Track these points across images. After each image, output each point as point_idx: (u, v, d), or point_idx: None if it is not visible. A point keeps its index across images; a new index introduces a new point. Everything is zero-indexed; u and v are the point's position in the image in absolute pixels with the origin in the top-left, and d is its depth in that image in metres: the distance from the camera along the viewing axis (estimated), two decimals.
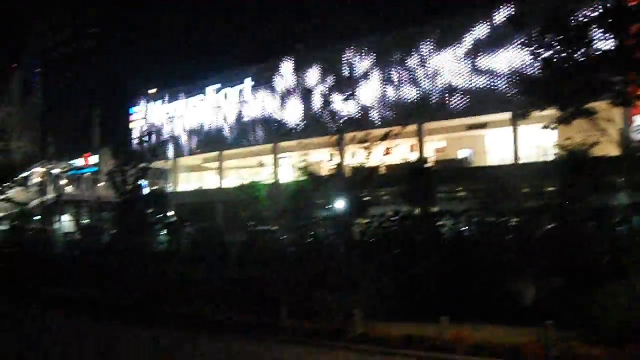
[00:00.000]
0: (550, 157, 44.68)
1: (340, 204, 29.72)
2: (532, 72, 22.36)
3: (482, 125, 49.68)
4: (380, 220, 21.90)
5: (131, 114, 74.61)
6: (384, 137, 23.71)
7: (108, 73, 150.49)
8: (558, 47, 20.29)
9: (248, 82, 66.31)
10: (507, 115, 46.88)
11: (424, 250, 19.33)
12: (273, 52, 67.15)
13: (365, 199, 25.68)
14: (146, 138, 27.01)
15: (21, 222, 56.20)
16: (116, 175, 27.38)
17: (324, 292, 17.19)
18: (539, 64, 21.53)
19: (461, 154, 51.20)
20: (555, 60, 20.41)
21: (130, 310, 21.35)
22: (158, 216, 29.56)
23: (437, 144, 54.78)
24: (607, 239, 17.97)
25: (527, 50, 21.41)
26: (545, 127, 21.46)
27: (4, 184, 39.14)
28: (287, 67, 63.09)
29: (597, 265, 16.45)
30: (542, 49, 20.71)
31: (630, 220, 18.66)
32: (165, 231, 31.83)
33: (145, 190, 28.03)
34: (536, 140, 48.64)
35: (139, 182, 27.37)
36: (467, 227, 20.49)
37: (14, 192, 40.43)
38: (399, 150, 44.94)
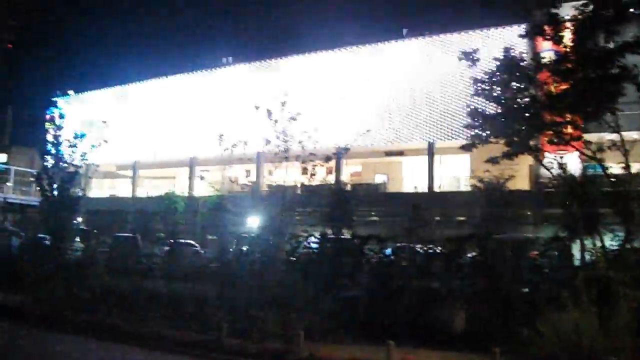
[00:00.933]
0: (465, 187, 46.61)
1: (258, 222, 29.78)
2: (472, 105, 23.04)
3: (399, 153, 50.74)
4: (307, 241, 21.99)
5: (48, 115, 72.67)
6: (327, 159, 23.73)
7: (26, 71, 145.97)
8: (510, 85, 21.26)
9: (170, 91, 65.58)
10: (424, 144, 48.28)
11: (352, 273, 19.64)
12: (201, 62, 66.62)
13: (285, 217, 25.70)
14: (76, 140, 26.16)
15: None
16: (43, 178, 26.62)
17: (263, 311, 17.11)
18: (482, 98, 22.46)
19: (377, 179, 52.11)
20: (505, 98, 21.34)
21: (48, 318, 20.63)
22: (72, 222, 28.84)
23: (353, 168, 55.53)
24: (529, 269, 18.71)
25: (479, 86, 22.06)
26: (490, 160, 22.23)
27: None
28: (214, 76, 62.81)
29: (520, 295, 17.08)
30: (492, 86, 21.58)
31: (553, 253, 19.44)
32: (77, 238, 31.09)
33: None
34: (451, 170, 50.29)
35: (67, 186, 26.67)
36: (390, 252, 20.82)
37: None
38: (316, 172, 45.29)
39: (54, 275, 23.19)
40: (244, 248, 24.81)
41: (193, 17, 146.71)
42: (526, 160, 29.68)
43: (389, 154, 50.08)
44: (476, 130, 22.50)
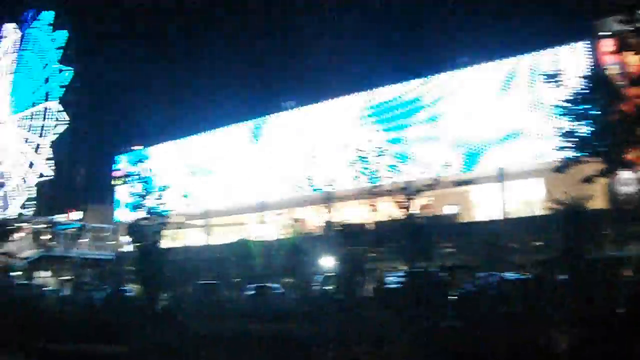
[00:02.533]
0: (539, 212, 45.77)
1: (335, 261, 29.90)
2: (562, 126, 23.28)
3: (468, 182, 50.16)
4: (395, 277, 21.97)
5: (114, 170, 75.04)
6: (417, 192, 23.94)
7: (91, 128, 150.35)
8: (599, 102, 21.23)
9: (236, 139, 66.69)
10: (492, 171, 47.82)
11: (443, 304, 19.51)
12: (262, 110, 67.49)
13: (363, 255, 25.74)
14: (157, 192, 26.91)
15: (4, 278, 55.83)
16: (135, 229, 27.39)
17: (363, 346, 17.08)
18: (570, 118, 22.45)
19: (448, 209, 51.53)
20: (596, 115, 21.32)
21: None
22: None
23: (422, 200, 55.12)
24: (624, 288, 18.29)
25: (566, 104, 22.16)
26: (587, 180, 22.23)
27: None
28: (278, 122, 63.66)
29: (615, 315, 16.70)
30: (580, 104, 21.61)
31: None
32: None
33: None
34: (522, 195, 49.54)
35: (157, 237, 27.38)
36: (473, 282, 20.60)
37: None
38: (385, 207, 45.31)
39: (148, 323, 23.52)
40: (328, 287, 25.01)
41: (247, 63, 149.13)
42: (601, 180, 29.10)
43: (458, 183, 49.53)
44: (568, 151, 22.62)
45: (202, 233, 69.00)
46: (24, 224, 58.81)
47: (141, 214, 27.93)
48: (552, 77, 23.06)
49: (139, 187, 28.28)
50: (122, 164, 72.04)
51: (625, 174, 33.22)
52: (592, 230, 23.79)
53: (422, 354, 16.36)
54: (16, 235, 50.88)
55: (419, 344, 16.76)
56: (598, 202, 36.27)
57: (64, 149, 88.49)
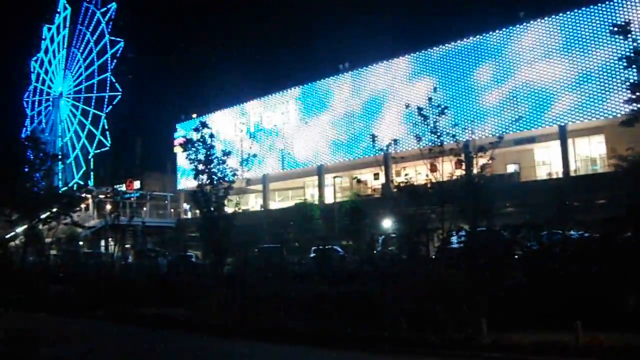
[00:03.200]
0: (602, 169, 45.02)
1: (395, 222, 29.95)
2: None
3: (530, 140, 49.46)
4: (458, 236, 21.87)
5: (175, 139, 76.16)
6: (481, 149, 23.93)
7: (149, 97, 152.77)
8: None
9: (292, 104, 66.96)
10: (554, 128, 47.01)
11: (507, 263, 19.44)
12: (316, 73, 67.42)
13: (424, 215, 25.66)
14: (224, 157, 27.18)
15: (72, 247, 57.59)
16: (199, 195, 27.75)
17: (431, 305, 17.11)
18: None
19: (509, 168, 51.05)
20: None
21: (220, 327, 20.99)
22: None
23: (481, 160, 54.57)
24: None
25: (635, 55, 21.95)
26: None
27: (67, 209, 39.96)
28: (336, 85, 63.64)
29: None
30: None
31: None
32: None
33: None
34: (585, 152, 48.75)
35: (222, 203, 27.74)
36: (537, 241, 20.39)
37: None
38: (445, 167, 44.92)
39: (215, 287, 23.91)
40: (391, 248, 25.06)
41: (299, 26, 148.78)
42: None
43: (519, 142, 48.86)
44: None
45: (263, 198, 69.76)
46: (87, 195, 60.21)
47: (204, 180, 28.29)
48: (621, 28, 22.63)
49: (200, 154, 28.60)
50: (183, 132, 73.25)
51: None
52: None
53: (488, 312, 16.35)
54: (80, 206, 52.21)
55: (485, 302, 16.75)
56: None
57: (121, 120, 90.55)
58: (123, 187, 74.61)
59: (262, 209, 67.53)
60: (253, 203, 73.07)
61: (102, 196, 69.96)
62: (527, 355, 14.58)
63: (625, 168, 26.77)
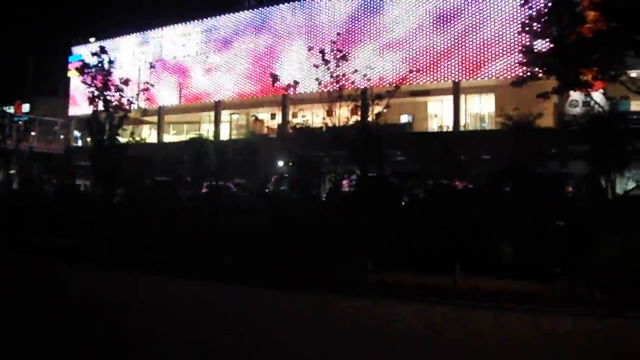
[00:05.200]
0: (490, 127, 46.90)
1: (289, 163, 30.39)
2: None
3: (425, 93, 50.85)
4: (350, 180, 22.60)
5: (70, 62, 72.99)
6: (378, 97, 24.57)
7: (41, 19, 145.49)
8: (559, 23, 21.99)
9: (195, 36, 65.64)
10: (449, 83, 48.50)
11: (395, 209, 20.31)
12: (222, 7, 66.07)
13: (318, 158, 26.28)
14: (115, 85, 26.29)
15: None
16: (93, 122, 26.97)
17: (330, 243, 17.63)
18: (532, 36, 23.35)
19: (403, 119, 52.35)
20: (557, 36, 22.13)
21: (108, 257, 20.80)
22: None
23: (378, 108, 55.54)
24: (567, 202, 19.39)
25: (534, 26, 22.95)
26: (541, 95, 23.27)
27: None
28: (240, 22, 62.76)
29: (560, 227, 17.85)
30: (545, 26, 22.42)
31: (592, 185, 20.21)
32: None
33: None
34: (473, 110, 50.69)
35: (116, 132, 27.14)
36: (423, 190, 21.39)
37: None
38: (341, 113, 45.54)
39: (103, 218, 23.74)
40: (283, 188, 25.55)
41: None
42: (551, 99, 30.01)
43: (415, 94, 50.11)
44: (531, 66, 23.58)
45: (157, 130, 68.52)
46: None
47: (99, 107, 27.59)
48: None
49: (97, 80, 27.87)
50: (80, 54, 70.34)
51: (574, 95, 34.41)
52: (538, 146, 24.81)
53: (376, 254, 17.15)
54: None
55: (372, 245, 17.56)
56: (546, 120, 37.51)
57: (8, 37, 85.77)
58: (11, 110, 71.47)
59: (159, 142, 66.41)
60: (147, 135, 71.67)
61: None
62: (410, 295, 15.61)
63: (510, 127, 28.14)
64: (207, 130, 64.02)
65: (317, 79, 24.71)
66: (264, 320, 13.88)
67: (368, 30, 52.68)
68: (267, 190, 27.98)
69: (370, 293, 15.98)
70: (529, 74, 24.35)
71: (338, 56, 24.89)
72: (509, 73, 42.52)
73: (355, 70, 27.34)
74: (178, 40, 67.09)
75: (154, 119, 66.36)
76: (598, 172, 21.87)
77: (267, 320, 13.92)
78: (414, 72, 46.17)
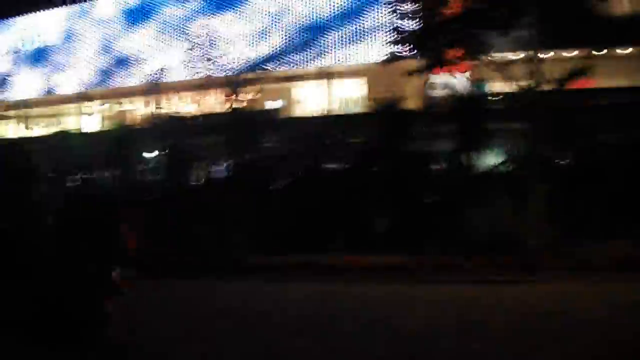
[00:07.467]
0: (360, 110, 47.98)
1: (161, 151, 30.07)
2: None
3: (294, 78, 51.29)
4: (227, 165, 22.70)
5: None
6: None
7: None
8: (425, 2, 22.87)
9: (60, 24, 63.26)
10: (317, 69, 49.22)
11: (269, 193, 20.62)
12: None
13: (189, 146, 26.24)
14: None
15: None
16: None
17: (206, 229, 17.64)
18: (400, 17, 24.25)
19: (272, 105, 52.53)
20: (422, 15, 22.96)
21: None
22: None
23: (248, 95, 55.52)
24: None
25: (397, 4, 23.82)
26: (409, 73, 23.93)
27: None
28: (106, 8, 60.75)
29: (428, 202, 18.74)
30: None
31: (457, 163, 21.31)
32: None
33: None
34: (343, 94, 51.65)
35: None
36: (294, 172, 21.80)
37: None
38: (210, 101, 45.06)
39: None
40: (154, 178, 25.25)
41: None
42: (416, 82, 31.13)
43: (286, 79, 50.45)
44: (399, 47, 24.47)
45: (20, 124, 65.51)
46: None
47: None
48: None
49: None
50: None
51: (433, 78, 35.96)
52: (405, 127, 25.80)
53: (256, 236, 17.39)
54: None
55: (250, 227, 17.80)
56: (413, 102, 38.99)
57: None
58: None
59: (21, 137, 63.42)
60: (12, 130, 68.41)
61: None
62: (287, 274, 15.96)
63: (380, 110, 29.11)
64: (75, 122, 61.81)
65: (185, 66, 24.56)
66: None
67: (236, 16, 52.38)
68: (136, 179, 27.55)
69: (248, 275, 16.19)
70: (397, 53, 25.40)
71: (206, 43, 24.87)
72: (379, 57, 43.53)
73: (222, 55, 27.39)
74: (42, 26, 64.11)
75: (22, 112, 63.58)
76: (461, 150, 23.02)
77: None
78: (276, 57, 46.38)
